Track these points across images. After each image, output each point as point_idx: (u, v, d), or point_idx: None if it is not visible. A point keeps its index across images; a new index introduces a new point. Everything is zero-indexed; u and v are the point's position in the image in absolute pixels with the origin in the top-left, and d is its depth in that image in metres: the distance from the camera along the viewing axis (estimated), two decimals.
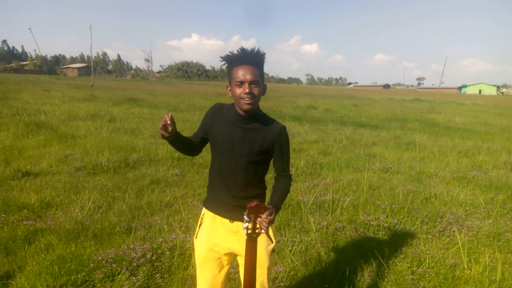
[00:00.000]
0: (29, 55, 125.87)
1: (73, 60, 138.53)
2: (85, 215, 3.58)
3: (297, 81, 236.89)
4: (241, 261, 1.74)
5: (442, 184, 5.57)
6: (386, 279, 2.76)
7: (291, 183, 1.74)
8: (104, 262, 2.64)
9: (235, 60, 1.55)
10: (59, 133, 7.57)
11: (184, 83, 65.87)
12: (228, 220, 1.69)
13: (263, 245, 1.70)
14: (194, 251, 1.84)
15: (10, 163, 5.34)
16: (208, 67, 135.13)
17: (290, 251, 3.03)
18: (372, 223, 3.66)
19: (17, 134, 7.34)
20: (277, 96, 28.96)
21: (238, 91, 1.54)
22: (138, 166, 5.62)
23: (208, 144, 1.78)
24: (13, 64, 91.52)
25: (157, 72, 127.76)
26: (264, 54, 1.56)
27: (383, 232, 3.60)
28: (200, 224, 1.79)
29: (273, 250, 1.76)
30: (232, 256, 1.86)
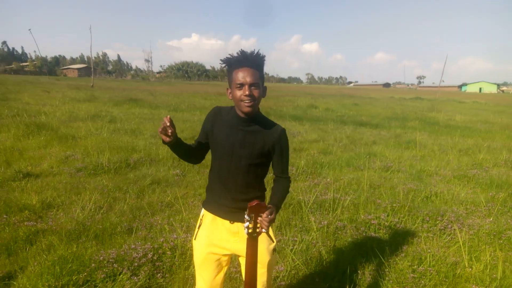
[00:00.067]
0: (29, 56, 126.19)
1: (73, 61, 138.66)
2: (86, 215, 3.59)
3: (297, 80, 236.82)
4: (243, 261, 1.75)
5: (443, 182, 5.57)
6: (387, 278, 2.77)
7: (290, 184, 1.75)
8: (105, 262, 2.64)
9: (235, 62, 1.55)
10: (60, 134, 7.57)
11: (184, 83, 65.90)
12: (228, 221, 1.70)
13: (265, 245, 1.70)
14: (193, 252, 1.84)
15: (11, 164, 5.35)
16: (208, 67, 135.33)
17: (291, 250, 3.03)
18: (372, 222, 3.67)
19: (18, 135, 7.35)
20: (277, 95, 28.96)
21: (238, 93, 1.55)
22: (138, 167, 5.63)
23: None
24: (13, 65, 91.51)
25: (157, 72, 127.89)
26: (264, 56, 1.57)
27: (384, 231, 3.61)
28: (200, 225, 1.78)
29: (274, 250, 1.76)
30: (232, 257, 1.87)
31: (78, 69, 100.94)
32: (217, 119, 1.69)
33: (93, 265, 2.59)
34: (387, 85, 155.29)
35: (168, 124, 1.44)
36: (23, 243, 3.05)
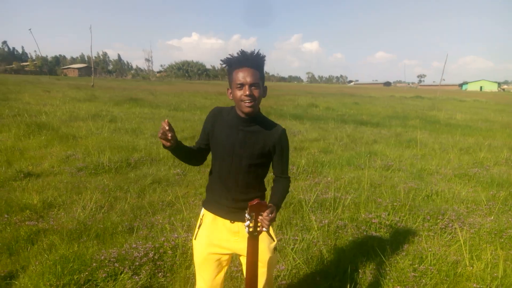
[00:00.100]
0: (29, 56, 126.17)
1: (74, 60, 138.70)
2: (87, 215, 3.60)
3: (297, 79, 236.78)
4: (243, 260, 1.75)
5: (444, 181, 5.57)
6: (388, 277, 2.77)
7: (290, 184, 1.75)
8: (106, 261, 2.65)
9: (235, 62, 1.55)
10: (61, 134, 7.58)
11: (185, 83, 65.88)
12: (228, 221, 1.70)
13: (265, 244, 1.70)
14: (193, 252, 1.84)
15: (12, 164, 5.35)
16: (208, 66, 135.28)
17: (292, 249, 3.03)
18: (373, 221, 3.67)
19: (19, 135, 7.36)
20: (278, 94, 28.95)
21: (239, 93, 1.55)
22: (139, 166, 5.63)
23: None
24: (13, 65, 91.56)
25: (158, 72, 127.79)
26: (264, 56, 1.57)
27: (385, 230, 3.61)
28: (200, 225, 1.78)
29: (275, 249, 1.77)
30: (233, 256, 1.87)
31: (79, 68, 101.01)
32: (217, 119, 1.69)
33: (94, 264, 2.60)
34: (387, 84, 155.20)
35: (167, 128, 1.43)
36: (25, 243, 3.06)
